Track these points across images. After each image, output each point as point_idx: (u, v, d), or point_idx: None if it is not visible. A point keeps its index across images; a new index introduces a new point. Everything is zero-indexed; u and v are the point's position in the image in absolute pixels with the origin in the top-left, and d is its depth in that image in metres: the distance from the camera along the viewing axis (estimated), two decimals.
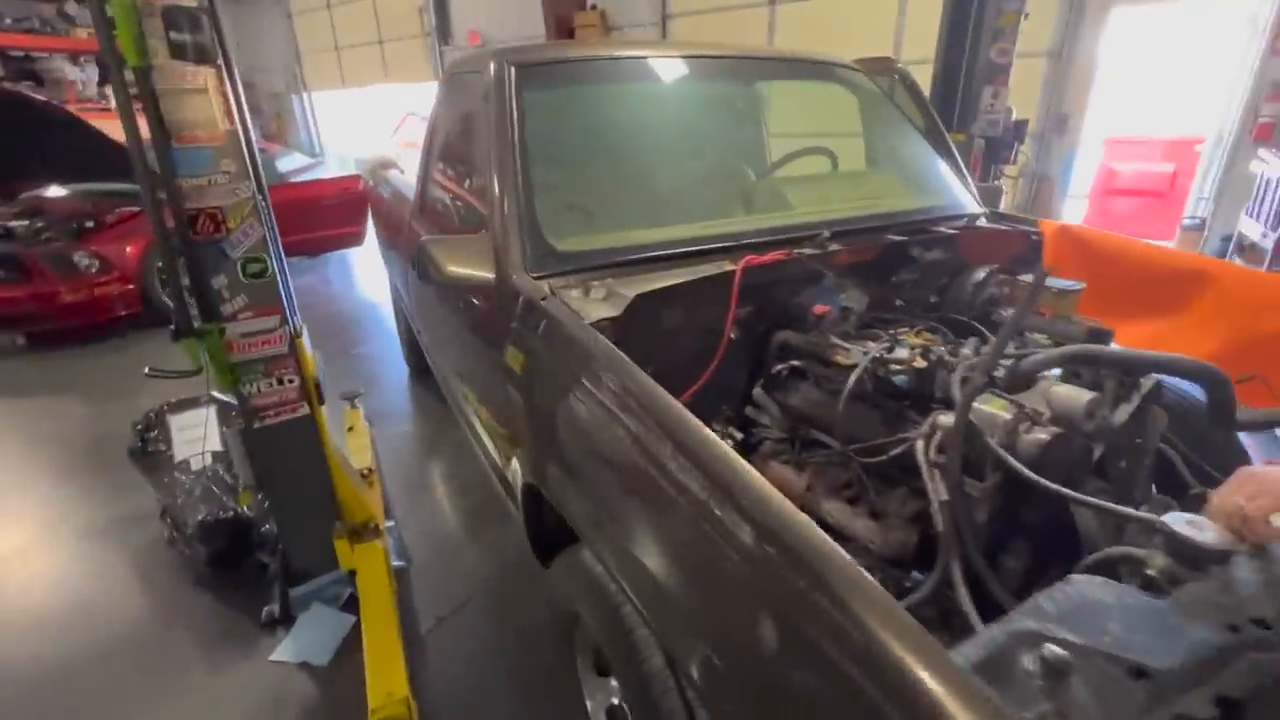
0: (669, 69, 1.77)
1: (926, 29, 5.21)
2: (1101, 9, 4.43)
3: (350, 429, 2.76)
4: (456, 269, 1.41)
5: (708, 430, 0.92)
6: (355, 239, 5.80)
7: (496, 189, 1.49)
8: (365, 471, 2.28)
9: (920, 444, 1.10)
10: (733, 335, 1.39)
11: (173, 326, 1.53)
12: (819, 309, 1.40)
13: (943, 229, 1.74)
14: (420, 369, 3.47)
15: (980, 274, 1.65)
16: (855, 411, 1.28)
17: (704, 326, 1.37)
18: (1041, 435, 1.01)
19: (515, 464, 1.51)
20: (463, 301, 1.79)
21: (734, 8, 6.15)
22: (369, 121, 11.31)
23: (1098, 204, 6.15)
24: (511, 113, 1.54)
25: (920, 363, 1.17)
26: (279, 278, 1.64)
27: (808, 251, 1.46)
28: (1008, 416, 1.04)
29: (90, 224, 4.25)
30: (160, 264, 4.30)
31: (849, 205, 1.77)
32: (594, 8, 6.81)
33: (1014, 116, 2.82)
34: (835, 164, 2.23)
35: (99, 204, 4.51)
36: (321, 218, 5.28)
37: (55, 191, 4.76)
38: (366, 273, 6.04)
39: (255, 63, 12.85)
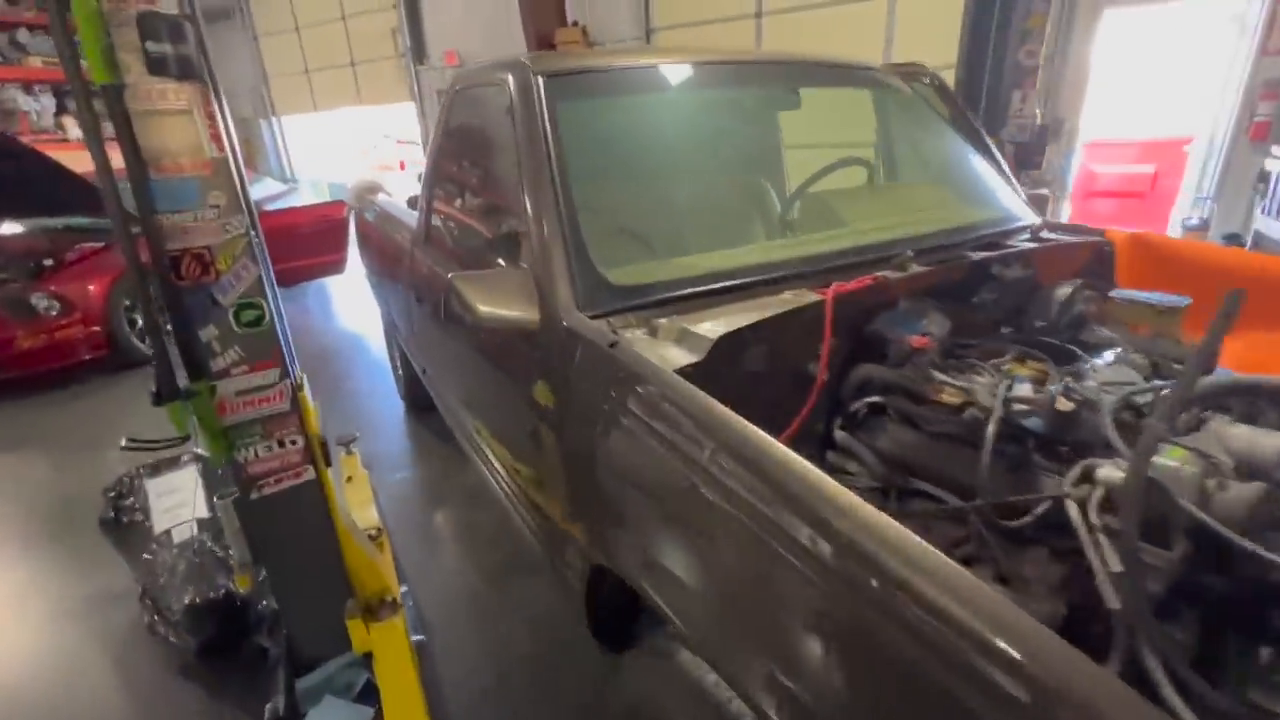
0: (706, 76, 1.60)
1: (915, 38, 5.17)
2: (1093, 12, 4.41)
3: (349, 479, 2.51)
4: (492, 309, 1.21)
5: (851, 494, 0.76)
6: (335, 267, 5.54)
7: (532, 214, 1.30)
8: (374, 532, 2.04)
9: (1073, 502, 0.93)
10: (815, 372, 1.21)
11: (153, 389, 1.30)
12: (917, 340, 1.22)
13: (1017, 243, 1.59)
14: (419, 405, 3.24)
15: (1065, 290, 1.49)
16: (962, 456, 1.12)
17: (786, 364, 1.19)
18: (1246, 492, 0.84)
19: (572, 551, 1.30)
20: (477, 332, 1.60)
21: (719, 20, 6.07)
22: (341, 145, 11.04)
23: (1078, 207, 6.17)
24: (545, 127, 1.35)
25: (1065, 405, 1.00)
26: (277, 323, 1.42)
27: (895, 275, 1.29)
28: (1193, 469, 0.87)
29: (49, 262, 3.95)
30: (127, 303, 4.01)
31: (912, 221, 1.61)
32: (575, 24, 6.69)
33: (1038, 120, 2.73)
34: (872, 175, 2.09)
35: (58, 240, 4.20)
36: (300, 246, 5.02)
37: (9, 228, 4.43)
38: (347, 301, 5.78)
39: (220, 87, 12.48)
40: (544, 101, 1.39)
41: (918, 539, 0.71)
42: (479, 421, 1.88)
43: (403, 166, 10.12)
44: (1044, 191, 2.09)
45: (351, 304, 5.69)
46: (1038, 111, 2.68)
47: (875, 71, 1.94)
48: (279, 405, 1.44)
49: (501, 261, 1.47)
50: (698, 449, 0.90)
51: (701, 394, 0.92)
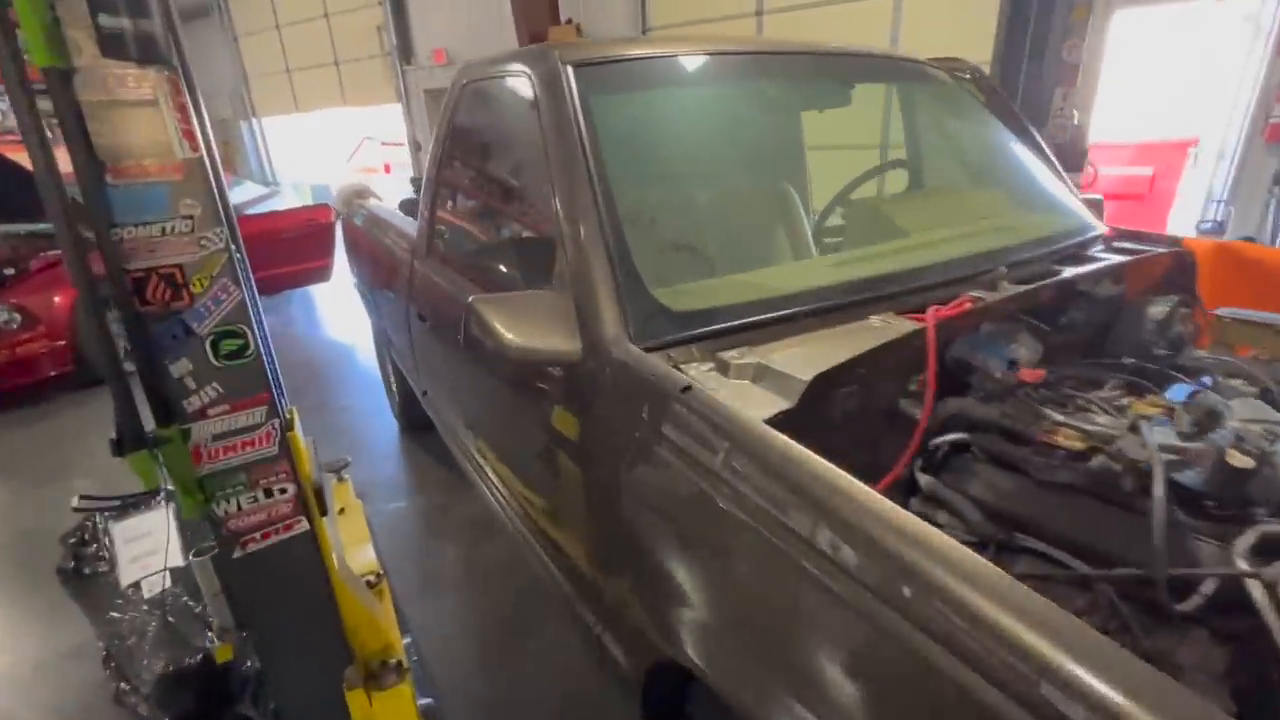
0: (755, 68, 1.42)
1: (922, 38, 5.05)
2: (1104, 13, 4.30)
3: (341, 511, 2.28)
4: (524, 340, 1.01)
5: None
6: (320, 274, 5.28)
7: (567, 226, 1.10)
8: (372, 578, 1.82)
9: (1261, 584, 0.76)
10: (910, 411, 1.03)
11: (113, 437, 1.08)
12: (1028, 373, 1.05)
13: (1099, 255, 1.43)
14: (414, 425, 3.03)
15: (1161, 308, 1.33)
16: (1089, 511, 0.95)
17: (874, 403, 1.01)
18: None
19: (619, 628, 1.12)
20: (494, 356, 1.41)
21: (718, 19, 5.91)
22: (324, 147, 10.75)
23: None
24: (578, 124, 1.16)
25: (1242, 461, 0.82)
26: (263, 353, 1.21)
27: (992, 296, 1.11)
28: None
29: (10, 271, 3.67)
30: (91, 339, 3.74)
31: (982, 231, 1.44)
32: (569, 22, 6.50)
33: (1075, 120, 2.60)
34: (913, 179, 1.92)
35: (20, 248, 3.92)
36: (284, 252, 4.76)
37: None
38: (333, 309, 5.53)
39: (193, 75, 12.15)
40: (575, 95, 1.20)
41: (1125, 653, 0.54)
42: (492, 452, 1.68)
43: (388, 169, 9.86)
44: (1098, 196, 1.93)
45: (337, 311, 5.45)
46: (1075, 111, 2.55)
47: (926, 65, 1.77)
48: (266, 449, 1.23)
49: (523, 279, 1.27)
50: (804, 520, 0.71)
51: (812, 455, 0.73)
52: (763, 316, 1.01)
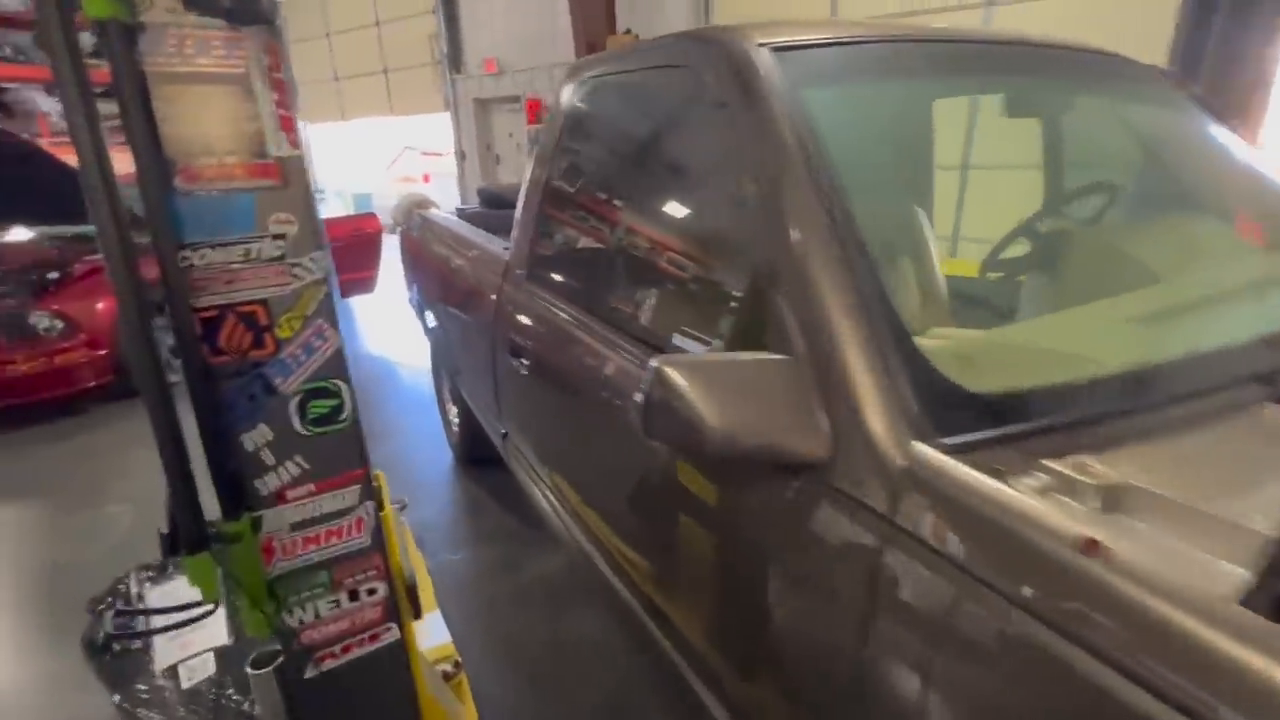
0: (999, 63, 1.10)
1: None
2: None
3: None
4: (733, 425, 0.70)
5: None
6: (365, 285, 5.09)
7: (790, 262, 0.80)
8: (449, 667, 1.52)
9: None
10: None
11: (164, 530, 0.80)
12: None
13: None
14: (474, 460, 2.74)
15: None
16: None
17: None
18: None
19: None
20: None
21: None
22: (363, 155, 10.73)
23: None
24: (795, 127, 0.86)
25: None
26: (354, 416, 0.92)
27: None
28: None
29: (54, 275, 3.50)
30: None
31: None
32: (628, 31, 6.30)
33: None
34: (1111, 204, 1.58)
35: (66, 251, 3.76)
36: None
37: (16, 234, 4.00)
38: (376, 323, 5.33)
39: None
40: (783, 89, 0.90)
41: None
42: (603, 518, 1.38)
43: (426, 179, 9.78)
44: None
45: (380, 325, 5.24)
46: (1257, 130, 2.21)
47: (1149, 69, 1.44)
48: (356, 540, 0.94)
49: (704, 330, 0.97)
50: None
51: None
52: (1107, 409, 0.69)
